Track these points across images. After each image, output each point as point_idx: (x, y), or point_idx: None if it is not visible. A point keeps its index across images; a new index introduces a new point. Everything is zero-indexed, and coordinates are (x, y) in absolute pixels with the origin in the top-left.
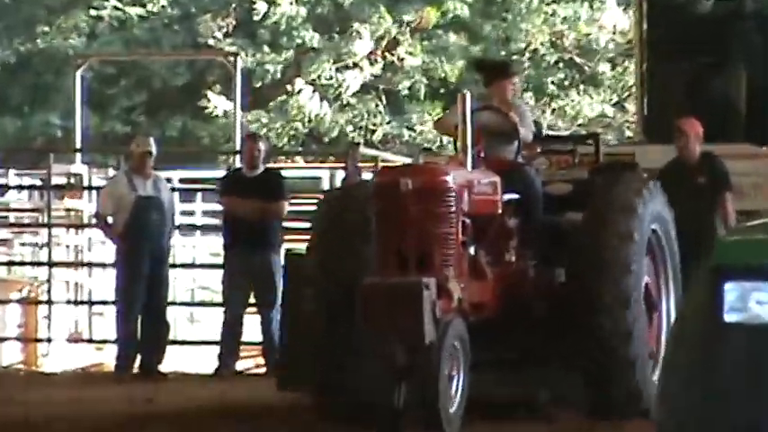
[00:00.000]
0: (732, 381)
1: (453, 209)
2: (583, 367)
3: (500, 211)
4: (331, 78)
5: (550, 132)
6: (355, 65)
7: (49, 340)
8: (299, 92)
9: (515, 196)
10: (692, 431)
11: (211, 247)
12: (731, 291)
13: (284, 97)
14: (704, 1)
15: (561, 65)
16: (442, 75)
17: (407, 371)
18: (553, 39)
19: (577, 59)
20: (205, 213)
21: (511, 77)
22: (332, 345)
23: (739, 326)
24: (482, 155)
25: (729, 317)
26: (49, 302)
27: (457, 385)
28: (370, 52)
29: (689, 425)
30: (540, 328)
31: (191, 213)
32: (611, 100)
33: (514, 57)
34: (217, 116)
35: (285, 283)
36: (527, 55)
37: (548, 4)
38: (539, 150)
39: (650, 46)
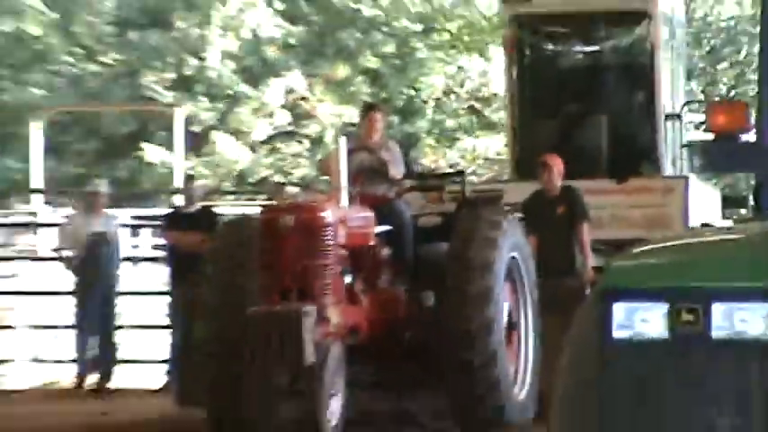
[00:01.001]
0: (618, 395)
1: (330, 242)
2: (452, 388)
3: (373, 242)
4: (250, 126)
5: (423, 170)
6: (271, 114)
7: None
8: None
9: (388, 228)
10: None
11: (157, 276)
12: (618, 310)
13: (212, 144)
14: (569, 56)
15: (462, 111)
16: (351, 120)
17: (288, 392)
18: (453, 88)
19: (476, 105)
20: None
21: (374, 112)
22: (221, 368)
23: (627, 341)
24: (357, 191)
25: (618, 333)
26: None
27: (337, 402)
28: (288, 100)
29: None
30: (412, 350)
31: (135, 247)
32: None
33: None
34: (154, 164)
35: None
36: (432, 102)
37: (447, 58)
38: (409, 186)
39: (521, 96)
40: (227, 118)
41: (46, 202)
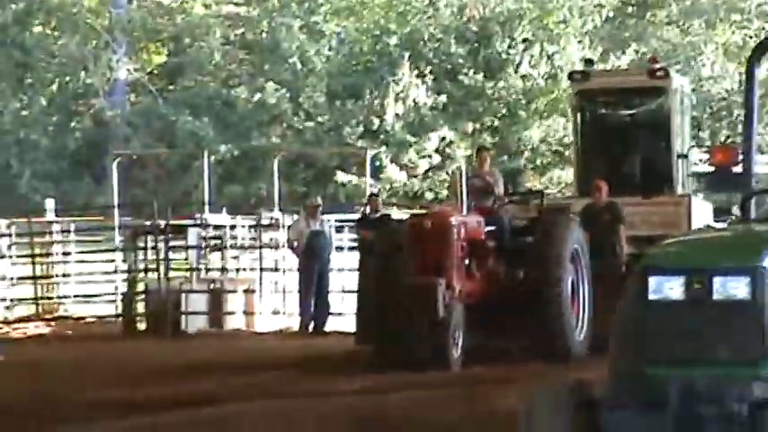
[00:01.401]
0: (652, 330)
1: (455, 237)
2: (534, 331)
3: (483, 237)
4: (414, 162)
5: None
6: (429, 156)
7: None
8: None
9: (492, 228)
10: (631, 355)
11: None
12: (652, 281)
13: (387, 173)
14: (614, 116)
15: (548, 152)
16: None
17: (430, 335)
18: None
19: (559, 149)
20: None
21: (484, 151)
22: (386, 319)
23: (657, 302)
24: (473, 203)
25: (651, 296)
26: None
27: (458, 343)
28: (439, 146)
29: (629, 352)
30: (509, 309)
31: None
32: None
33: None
34: (350, 184)
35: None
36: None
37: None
38: (506, 201)
39: (583, 142)
40: (398, 157)
41: (280, 210)
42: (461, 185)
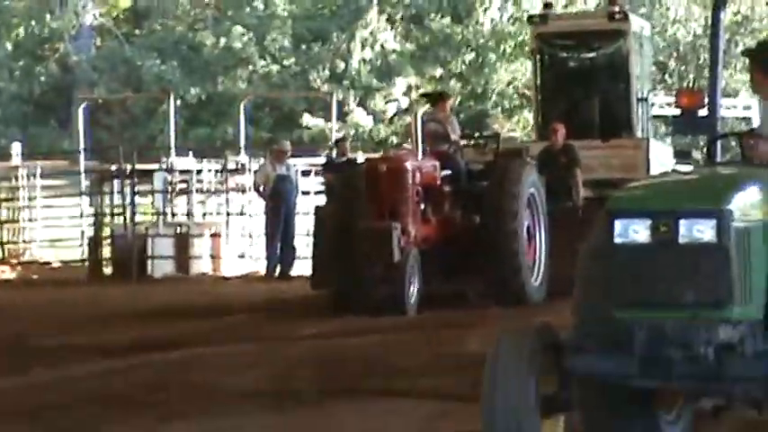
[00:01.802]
0: (618, 274)
1: (410, 182)
2: (491, 276)
3: (439, 182)
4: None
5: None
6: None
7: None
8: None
9: (448, 172)
10: (597, 299)
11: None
12: (618, 224)
13: (354, 117)
14: (573, 59)
15: (516, 95)
16: None
17: (385, 279)
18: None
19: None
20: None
21: (445, 100)
22: (341, 263)
23: (623, 245)
24: (428, 148)
25: (617, 239)
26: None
27: (413, 287)
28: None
29: (594, 296)
30: (465, 254)
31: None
32: None
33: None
34: (316, 128)
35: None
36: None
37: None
38: (462, 145)
39: (542, 86)
40: (365, 101)
41: (247, 154)
42: (417, 129)
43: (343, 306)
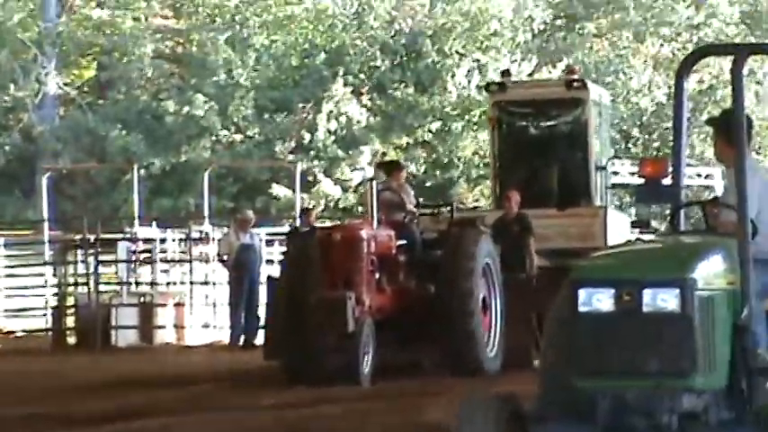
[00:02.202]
0: (582, 343)
1: (365, 251)
2: (446, 346)
3: (394, 251)
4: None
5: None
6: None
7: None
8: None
9: (404, 242)
10: (561, 368)
11: None
12: (582, 293)
13: (319, 186)
14: (532, 127)
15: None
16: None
17: (339, 349)
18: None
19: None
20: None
21: (400, 169)
22: (295, 334)
23: (587, 314)
24: (383, 217)
25: (581, 308)
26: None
27: (368, 357)
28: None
29: (558, 365)
30: (420, 323)
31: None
32: None
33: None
34: (281, 198)
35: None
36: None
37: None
38: (417, 214)
39: (500, 153)
40: (331, 171)
41: (210, 223)
42: (372, 198)
43: (294, 377)
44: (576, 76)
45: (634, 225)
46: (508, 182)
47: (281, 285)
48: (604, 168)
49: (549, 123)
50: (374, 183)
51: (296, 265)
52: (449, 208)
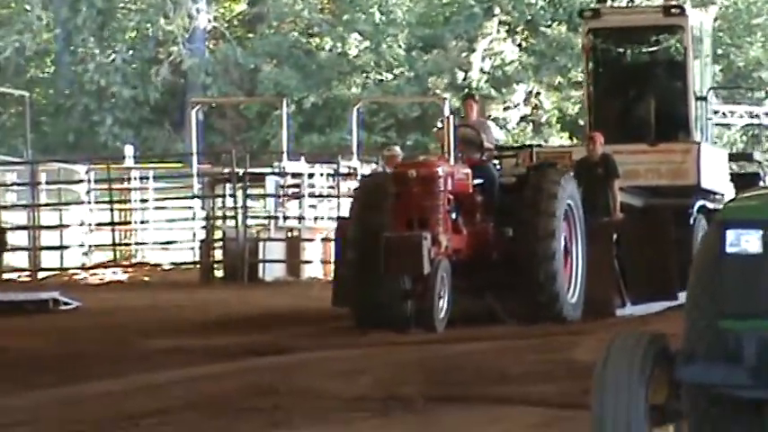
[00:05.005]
0: (729, 284)
1: (441, 189)
2: (524, 297)
3: (471, 191)
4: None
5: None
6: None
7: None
8: None
9: (481, 182)
10: (707, 309)
11: None
12: (730, 234)
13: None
14: (627, 56)
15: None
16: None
17: (413, 293)
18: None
19: None
20: None
21: (472, 104)
22: (365, 277)
23: (735, 255)
24: (461, 155)
25: (729, 249)
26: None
27: (443, 301)
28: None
29: (705, 306)
30: (497, 268)
31: None
32: None
33: None
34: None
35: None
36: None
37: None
38: (495, 154)
39: (595, 83)
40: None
41: (359, 159)
42: (449, 135)
43: (365, 324)
44: (674, 2)
45: (732, 158)
46: (602, 114)
47: (352, 225)
48: (705, 99)
49: (645, 51)
50: (452, 118)
51: (367, 203)
52: (528, 149)
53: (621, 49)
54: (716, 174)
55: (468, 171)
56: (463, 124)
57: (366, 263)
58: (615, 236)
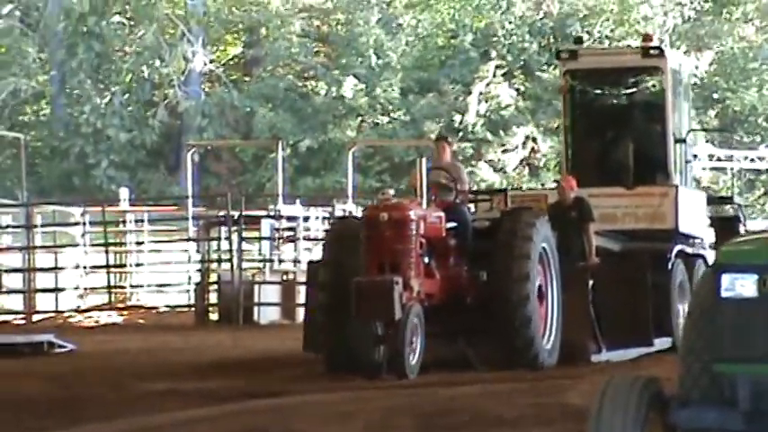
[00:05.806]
0: (724, 328)
1: (414, 233)
2: (499, 343)
3: (444, 234)
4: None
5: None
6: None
7: None
8: None
9: (454, 225)
10: (702, 353)
11: None
12: (725, 278)
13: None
14: (605, 98)
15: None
16: None
17: (384, 338)
18: None
19: None
20: None
21: (445, 146)
22: (337, 321)
23: (730, 299)
24: (433, 198)
25: (725, 293)
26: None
27: (416, 347)
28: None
29: (700, 350)
30: (470, 312)
31: None
32: None
33: None
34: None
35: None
36: None
37: None
38: (469, 198)
39: (572, 125)
40: (480, 153)
41: (354, 202)
42: (421, 178)
43: (335, 369)
44: (652, 43)
45: (711, 201)
46: (580, 156)
47: (322, 268)
48: (684, 141)
49: (624, 93)
50: (424, 160)
51: (339, 247)
52: (502, 193)
53: (599, 91)
54: (694, 217)
55: (441, 214)
56: (437, 167)
57: (337, 307)
58: (591, 281)
